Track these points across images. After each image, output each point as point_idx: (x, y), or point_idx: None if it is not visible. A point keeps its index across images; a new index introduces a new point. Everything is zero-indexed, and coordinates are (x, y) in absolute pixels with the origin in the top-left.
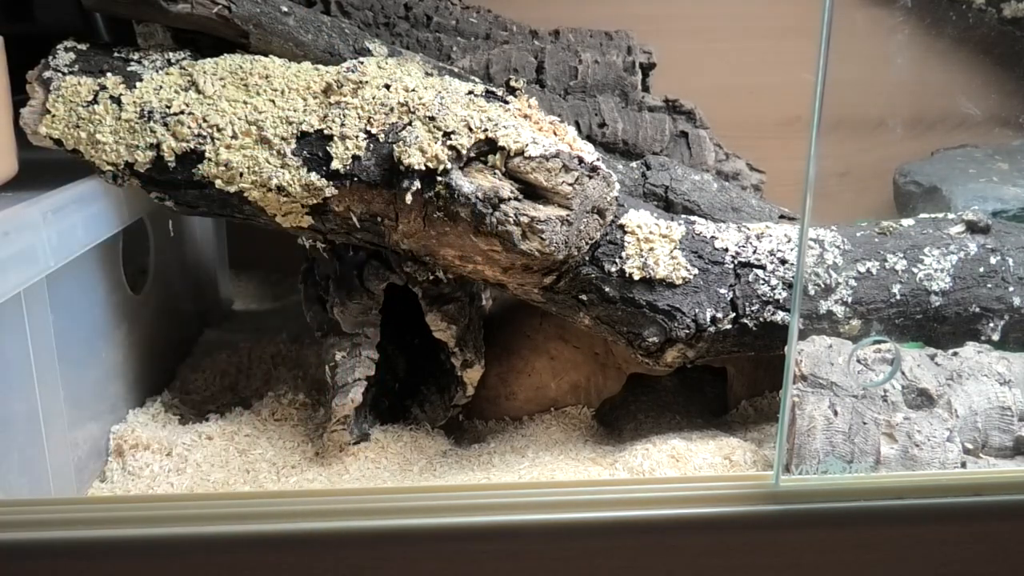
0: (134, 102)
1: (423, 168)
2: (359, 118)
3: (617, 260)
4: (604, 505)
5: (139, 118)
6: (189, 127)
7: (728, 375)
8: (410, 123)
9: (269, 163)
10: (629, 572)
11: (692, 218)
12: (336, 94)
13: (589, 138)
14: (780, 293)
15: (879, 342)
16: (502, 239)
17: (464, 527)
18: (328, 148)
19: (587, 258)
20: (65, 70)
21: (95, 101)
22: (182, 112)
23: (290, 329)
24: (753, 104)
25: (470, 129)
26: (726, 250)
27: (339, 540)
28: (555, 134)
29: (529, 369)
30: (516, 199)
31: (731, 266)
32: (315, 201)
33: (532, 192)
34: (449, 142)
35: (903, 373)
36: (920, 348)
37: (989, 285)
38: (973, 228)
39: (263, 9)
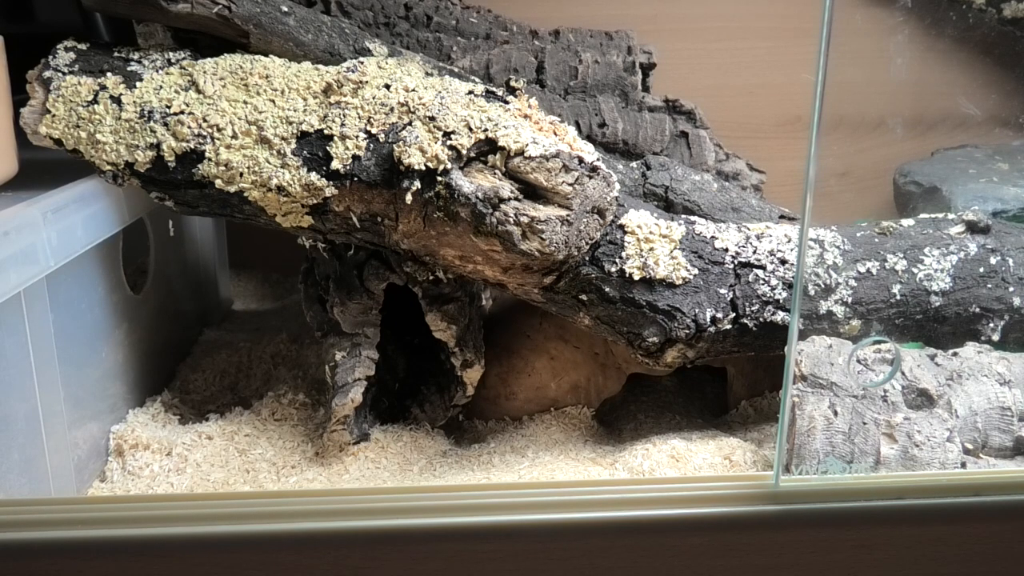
0: (134, 102)
1: (423, 168)
2: (359, 118)
3: (617, 260)
4: (604, 505)
5: (139, 118)
6: (189, 127)
7: (728, 375)
8: (410, 123)
9: (269, 163)
10: (629, 572)
11: (692, 218)
12: (336, 94)
13: (589, 138)
14: (780, 293)
15: (879, 342)
16: (502, 239)
17: (464, 527)
18: (328, 148)
19: (587, 258)
20: (65, 70)
21: (95, 101)
22: (182, 112)
23: (290, 329)
24: (753, 104)
25: (470, 129)
26: (726, 250)
27: (339, 540)
28: (555, 134)
29: (529, 369)
30: (516, 199)
31: (731, 266)
32: (315, 201)
33: (532, 192)
34: (449, 142)
35: (903, 373)
36: (920, 348)
37: (989, 285)
38: (973, 228)
39: (263, 9)
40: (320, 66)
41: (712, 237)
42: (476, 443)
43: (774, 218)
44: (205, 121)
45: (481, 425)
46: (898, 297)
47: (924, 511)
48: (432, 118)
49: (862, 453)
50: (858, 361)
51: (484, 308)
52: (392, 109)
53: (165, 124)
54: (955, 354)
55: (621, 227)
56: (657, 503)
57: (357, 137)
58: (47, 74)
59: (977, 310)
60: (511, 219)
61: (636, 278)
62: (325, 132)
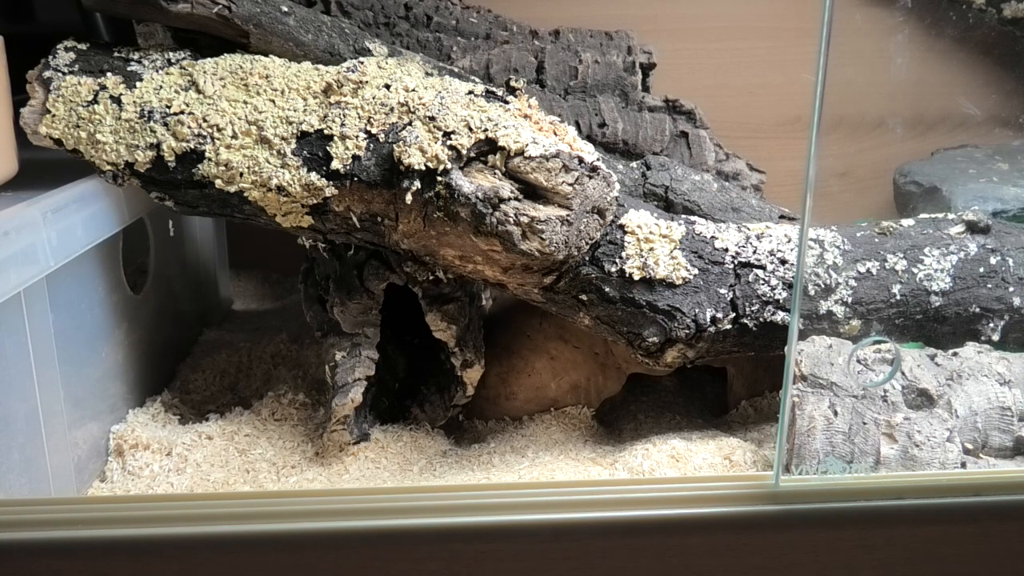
0: (134, 102)
1: (423, 168)
2: (359, 118)
3: (617, 260)
4: (604, 505)
5: (139, 118)
6: (189, 127)
7: (728, 375)
8: (410, 123)
9: (269, 163)
10: (629, 572)
11: (692, 218)
12: (336, 94)
13: (589, 138)
14: (780, 293)
15: (879, 342)
16: (502, 239)
17: (464, 527)
18: (328, 148)
19: (587, 258)
20: (65, 70)
21: (95, 101)
22: (182, 112)
23: (290, 329)
24: (753, 104)
25: (470, 129)
26: (726, 250)
27: (339, 540)
28: (555, 134)
29: (529, 369)
30: (516, 199)
31: (731, 266)
32: (315, 201)
33: (532, 192)
34: (449, 142)
35: (903, 373)
36: (920, 348)
37: (989, 285)
38: (973, 228)
39: (263, 9)
40: (320, 66)
41: (712, 237)
42: (476, 443)
43: (774, 218)
44: (205, 121)
45: (481, 425)
46: (898, 297)
47: (924, 511)
48: (432, 118)
49: (862, 453)
50: (858, 361)
51: (484, 308)
52: (392, 109)
53: (165, 124)
54: (955, 354)
55: (621, 227)
56: (657, 503)
57: (357, 137)
58: (47, 74)
59: (977, 310)
60: (511, 219)
61: (636, 278)
62: (325, 132)
